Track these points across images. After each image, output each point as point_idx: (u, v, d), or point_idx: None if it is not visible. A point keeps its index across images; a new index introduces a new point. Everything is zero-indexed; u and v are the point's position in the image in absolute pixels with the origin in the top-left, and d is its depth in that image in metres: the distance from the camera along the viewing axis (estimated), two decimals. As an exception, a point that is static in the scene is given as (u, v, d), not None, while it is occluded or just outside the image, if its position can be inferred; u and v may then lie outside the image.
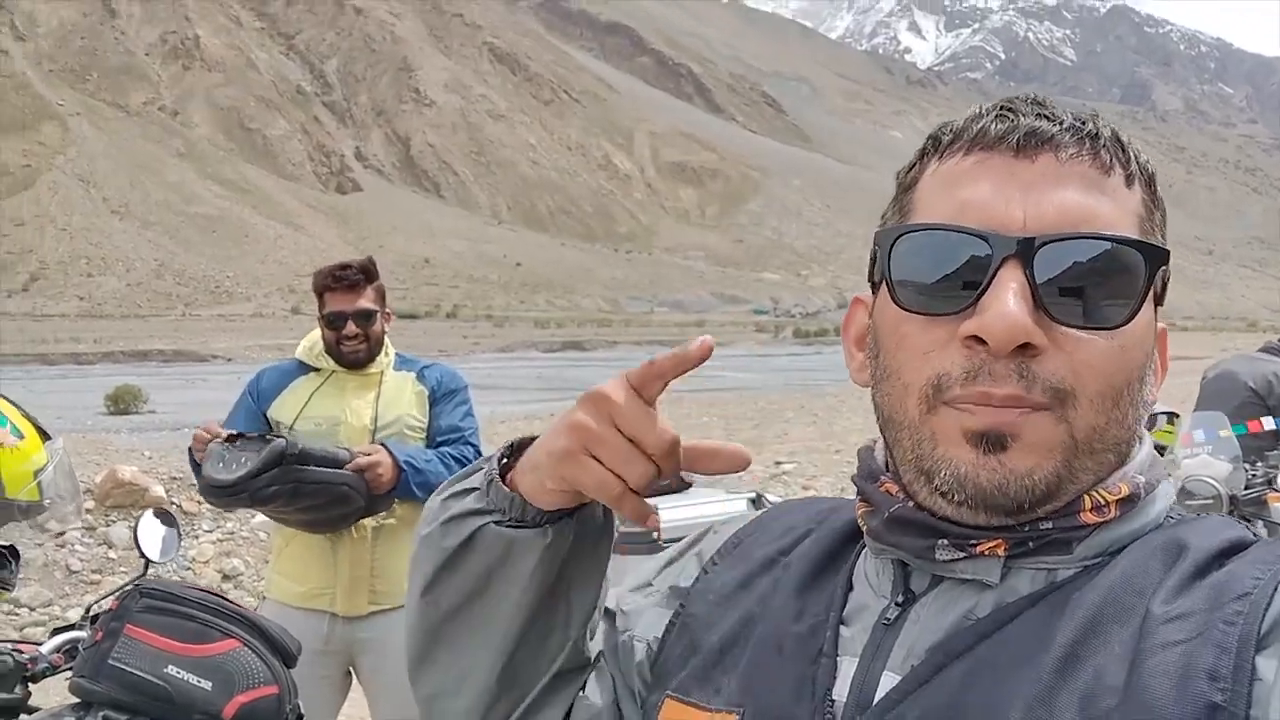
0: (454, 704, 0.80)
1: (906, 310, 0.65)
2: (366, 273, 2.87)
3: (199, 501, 7.66)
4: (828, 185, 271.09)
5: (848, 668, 0.67)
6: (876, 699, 0.64)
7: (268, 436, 2.62)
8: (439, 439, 2.89)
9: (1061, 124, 0.65)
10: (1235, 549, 0.63)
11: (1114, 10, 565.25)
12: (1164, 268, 0.65)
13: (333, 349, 2.86)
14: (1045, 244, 0.61)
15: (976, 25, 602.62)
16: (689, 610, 0.79)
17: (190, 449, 2.71)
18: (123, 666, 1.68)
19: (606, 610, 0.84)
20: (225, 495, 2.56)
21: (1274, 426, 5.11)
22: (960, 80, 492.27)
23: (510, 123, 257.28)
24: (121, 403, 22.42)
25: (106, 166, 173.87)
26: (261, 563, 6.87)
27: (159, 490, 7.44)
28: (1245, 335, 64.29)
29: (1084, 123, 0.65)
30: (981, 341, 0.61)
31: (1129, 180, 0.66)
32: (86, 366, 42.98)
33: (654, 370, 0.68)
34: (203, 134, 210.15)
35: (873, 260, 0.69)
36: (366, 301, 2.85)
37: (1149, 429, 4.51)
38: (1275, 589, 0.57)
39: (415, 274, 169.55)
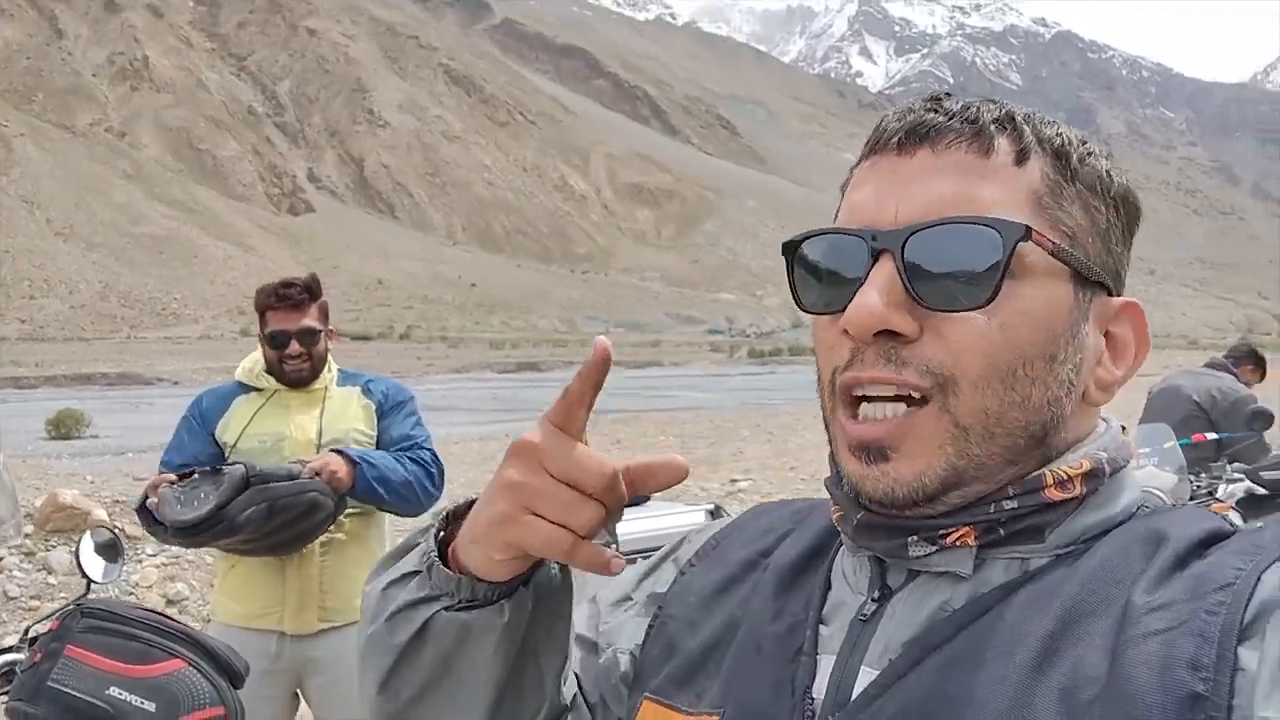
0: None
1: (809, 312, 0.69)
2: (310, 290, 2.81)
3: (142, 525, 7.47)
4: (783, 206, 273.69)
5: (826, 665, 0.68)
6: (854, 695, 0.65)
7: (218, 468, 2.55)
8: (392, 450, 2.83)
9: (947, 114, 0.67)
10: (1215, 538, 0.63)
11: (1058, 36, 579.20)
12: (1042, 240, 0.64)
13: (275, 368, 2.81)
14: (912, 234, 0.64)
15: (925, 50, 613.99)
16: (666, 611, 0.80)
17: (143, 504, 2.60)
18: (62, 688, 1.61)
19: (581, 638, 0.83)
20: (197, 533, 2.48)
21: (1216, 438, 5.22)
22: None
23: (465, 144, 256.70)
24: (63, 427, 21.88)
25: (51, 187, 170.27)
26: (207, 586, 6.72)
27: (101, 513, 7.26)
28: (1186, 352, 65.79)
29: (967, 108, 0.67)
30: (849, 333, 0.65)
31: (1020, 158, 0.66)
32: (28, 390, 41.88)
33: (571, 400, 0.66)
34: (151, 155, 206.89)
35: (788, 277, 0.71)
36: (310, 320, 2.79)
37: None
38: (1257, 580, 0.57)
39: (369, 295, 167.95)
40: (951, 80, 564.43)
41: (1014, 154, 0.66)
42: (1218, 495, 4.81)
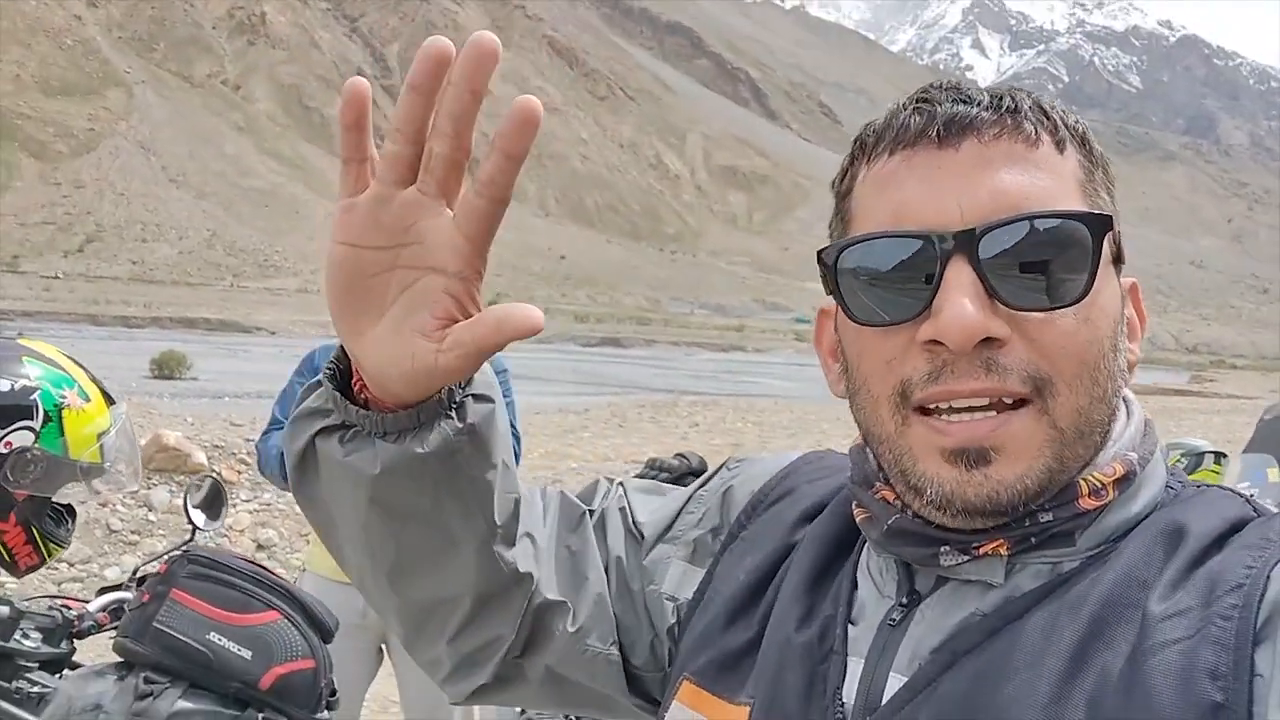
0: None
1: (861, 324, 0.64)
2: None
3: (238, 470, 7.78)
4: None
5: (855, 668, 0.66)
6: (884, 701, 0.63)
7: None
8: None
9: (980, 104, 0.63)
10: (1235, 529, 0.61)
11: (1183, 40, 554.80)
12: (1112, 230, 0.63)
13: None
14: (986, 233, 0.60)
15: (1042, 47, 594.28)
16: (715, 586, 0.78)
17: (263, 445, 2.71)
18: (167, 630, 1.71)
19: (634, 526, 0.83)
20: None
21: None
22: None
23: (564, 117, 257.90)
24: (166, 368, 22.81)
25: (167, 135, 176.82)
26: (295, 535, 6.97)
27: (200, 457, 7.57)
28: None
29: (1001, 98, 0.64)
30: (941, 344, 0.60)
31: (1060, 146, 0.64)
32: (135, 330, 43.78)
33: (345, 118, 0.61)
34: (263, 109, 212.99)
35: (824, 283, 0.68)
36: None
37: (1195, 468, 4.43)
38: (1267, 579, 0.56)
39: None
40: (1067, 79, 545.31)
41: (1054, 142, 0.64)
42: None
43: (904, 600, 0.67)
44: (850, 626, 0.68)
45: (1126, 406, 0.67)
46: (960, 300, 0.59)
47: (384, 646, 2.97)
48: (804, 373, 45.87)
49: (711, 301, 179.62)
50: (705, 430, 16.16)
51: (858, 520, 0.71)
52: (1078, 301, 0.60)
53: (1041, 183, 0.62)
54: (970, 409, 0.60)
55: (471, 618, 0.74)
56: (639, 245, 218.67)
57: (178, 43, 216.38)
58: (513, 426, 2.91)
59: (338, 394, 0.67)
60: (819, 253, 0.67)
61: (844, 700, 0.65)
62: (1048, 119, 0.64)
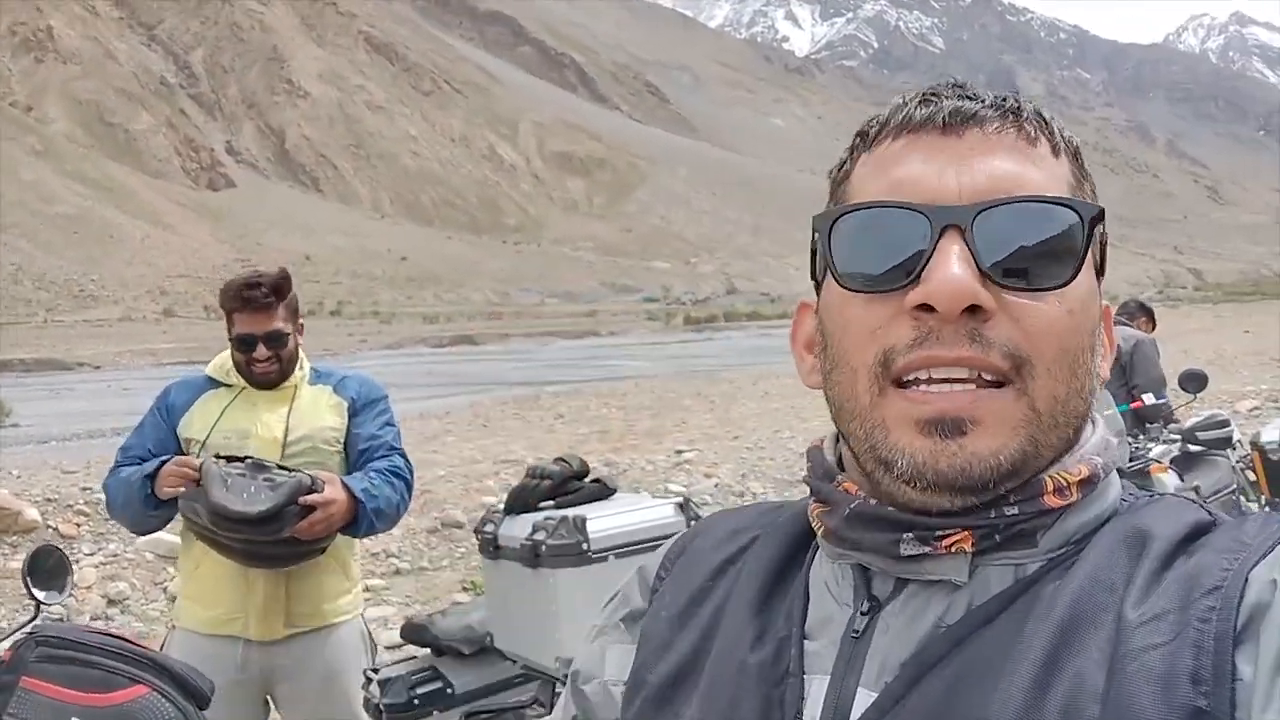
0: None
1: (851, 290, 0.65)
2: (278, 290, 2.70)
3: (77, 523, 7.20)
4: (713, 173, 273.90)
5: (818, 687, 0.65)
6: (855, 718, 0.62)
7: (266, 464, 2.52)
8: (361, 447, 2.76)
9: (984, 102, 0.66)
10: (1198, 533, 0.62)
11: (978, 0, 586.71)
12: (1101, 229, 0.65)
13: (243, 370, 2.72)
14: (982, 211, 0.61)
15: (850, 15, 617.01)
16: (645, 634, 0.75)
17: (157, 484, 2.54)
18: None
19: (571, 676, 0.80)
20: (250, 527, 2.42)
21: (1154, 401, 5.45)
22: (836, 68, 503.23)
23: (389, 114, 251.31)
24: (-19, 418, 21.02)
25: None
26: (149, 584, 6.51)
27: (32, 514, 6.97)
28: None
29: (1005, 99, 0.67)
30: (929, 310, 0.60)
31: (1055, 151, 0.66)
32: (-60, 380, 40.17)
33: None
34: (60, 129, 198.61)
35: (813, 252, 0.68)
36: (278, 322, 2.69)
37: None
38: (1245, 582, 0.57)
39: (296, 272, 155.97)
40: (876, 45, 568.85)
41: (1050, 146, 0.66)
42: (1156, 457, 5.01)
43: (864, 609, 0.65)
44: (808, 642, 0.67)
45: (1092, 421, 0.68)
46: (952, 264, 0.60)
47: (269, 698, 2.79)
48: (659, 350, 46.43)
49: (560, 289, 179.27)
50: (571, 420, 16.09)
51: (813, 516, 0.70)
52: (1064, 286, 0.62)
53: (1037, 175, 0.64)
54: (950, 380, 0.61)
55: None
56: (481, 239, 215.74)
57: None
58: (398, 450, 2.81)
59: None
60: (814, 218, 0.67)
61: (805, 718, 0.64)
62: (1046, 125, 0.67)
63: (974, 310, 0.60)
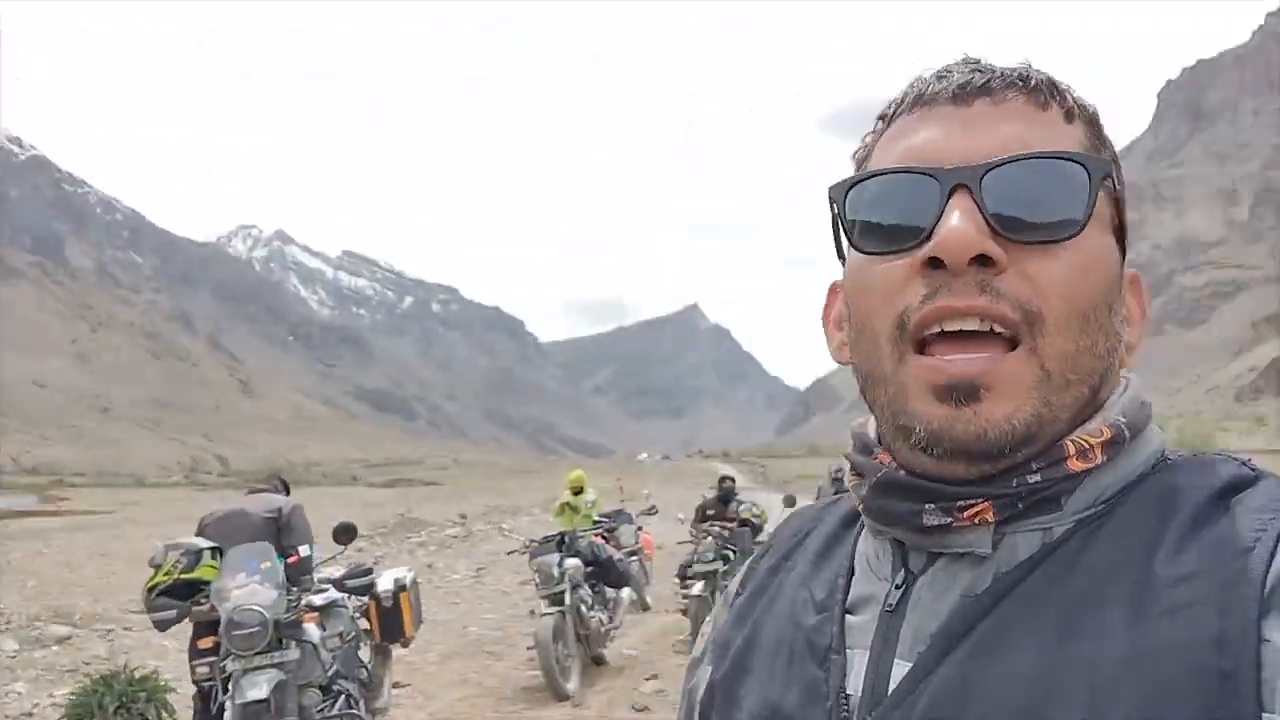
0: None
1: (868, 254, 0.67)
2: None
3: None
4: None
5: (860, 661, 0.67)
6: (890, 690, 0.64)
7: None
8: None
9: (994, 73, 0.68)
10: (1235, 488, 0.61)
11: (33, 160, 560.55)
12: (1113, 185, 0.67)
13: None
14: (988, 170, 0.63)
15: None
16: (716, 643, 0.80)
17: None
18: None
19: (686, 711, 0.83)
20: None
21: (308, 553, 5.68)
22: None
23: None
24: None
25: None
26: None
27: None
28: (134, 489, 69.94)
29: (1014, 69, 0.69)
30: (939, 265, 0.63)
31: (1068, 116, 0.68)
32: None
33: None
34: None
35: (834, 226, 0.71)
36: None
37: (195, 565, 5.09)
38: (1276, 543, 0.56)
39: None
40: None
41: (1063, 112, 0.68)
42: (312, 605, 5.23)
43: (899, 583, 0.67)
44: (850, 617, 0.70)
45: (1125, 382, 0.70)
46: (958, 218, 0.62)
47: None
48: None
49: None
50: None
51: (851, 488, 0.73)
52: (1071, 238, 0.63)
53: (1045, 135, 0.66)
54: (963, 334, 0.62)
55: None
56: None
57: None
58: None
59: None
60: (829, 188, 0.70)
61: (849, 694, 0.66)
62: (1058, 91, 0.68)
63: (985, 263, 0.62)
